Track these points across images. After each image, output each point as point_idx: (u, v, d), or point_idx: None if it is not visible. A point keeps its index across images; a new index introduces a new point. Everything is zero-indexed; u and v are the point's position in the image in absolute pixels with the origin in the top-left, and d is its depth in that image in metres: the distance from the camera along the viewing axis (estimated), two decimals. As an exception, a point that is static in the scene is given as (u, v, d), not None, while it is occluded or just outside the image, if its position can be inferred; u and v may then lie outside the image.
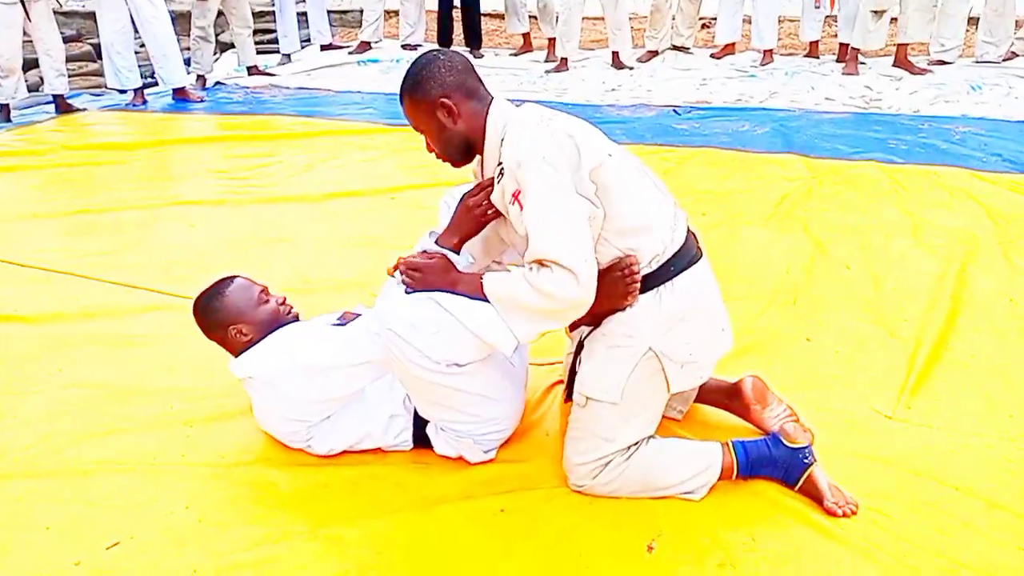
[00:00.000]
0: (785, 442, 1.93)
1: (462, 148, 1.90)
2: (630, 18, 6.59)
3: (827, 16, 6.33)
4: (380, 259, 3.12)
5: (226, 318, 2.13)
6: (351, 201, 3.90)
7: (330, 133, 4.96)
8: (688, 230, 1.92)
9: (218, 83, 6.51)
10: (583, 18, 6.59)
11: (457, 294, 1.81)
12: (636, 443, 1.91)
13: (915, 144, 4.35)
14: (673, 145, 4.50)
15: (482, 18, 7.32)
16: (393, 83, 6.46)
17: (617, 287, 1.80)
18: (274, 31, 7.78)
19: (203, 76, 6.38)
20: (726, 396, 2.17)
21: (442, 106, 1.82)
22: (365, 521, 1.90)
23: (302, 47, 7.55)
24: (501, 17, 7.60)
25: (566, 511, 1.91)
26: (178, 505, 1.97)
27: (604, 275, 1.78)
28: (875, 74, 5.82)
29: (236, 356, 2.13)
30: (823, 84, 5.69)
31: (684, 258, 1.86)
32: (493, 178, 1.85)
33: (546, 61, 6.83)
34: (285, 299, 2.23)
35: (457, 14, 7.22)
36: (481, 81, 1.89)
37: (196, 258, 3.32)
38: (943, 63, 5.92)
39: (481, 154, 1.89)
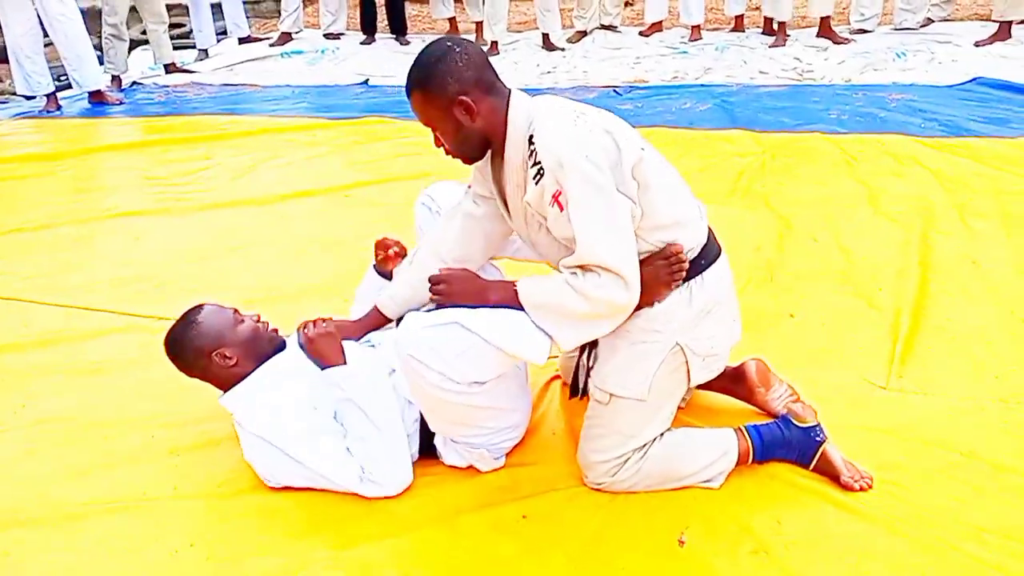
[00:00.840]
0: (796, 423, 1.94)
1: (480, 146, 1.80)
2: (557, -2, 6.55)
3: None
4: (344, 262, 3.07)
5: (205, 345, 2.01)
6: (303, 202, 3.77)
7: (268, 131, 4.78)
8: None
9: (135, 83, 6.21)
10: (509, 0, 6.53)
11: (488, 306, 1.75)
12: (653, 438, 1.89)
13: (854, 113, 4.45)
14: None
15: (406, 3, 7.17)
16: (321, 75, 6.36)
17: (660, 276, 1.75)
18: (185, 25, 7.48)
19: (118, 77, 6.08)
20: (730, 381, 2.16)
21: (460, 104, 1.70)
22: (387, 541, 1.83)
23: (218, 40, 7.27)
24: (425, 2, 7.48)
25: (590, 511, 1.88)
26: (181, 543, 1.85)
27: (644, 265, 1.73)
28: (801, 46, 5.94)
29: (224, 388, 2.02)
30: (754, 57, 5.78)
31: (711, 252, 1.85)
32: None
33: (475, 45, 6.73)
34: (259, 316, 2.14)
35: (380, 0, 7.06)
36: (497, 73, 1.79)
37: (148, 273, 3.15)
38: (864, 31, 6.08)
39: (500, 151, 1.80)
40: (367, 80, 5.99)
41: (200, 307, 2.09)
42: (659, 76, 5.53)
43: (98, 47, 6.02)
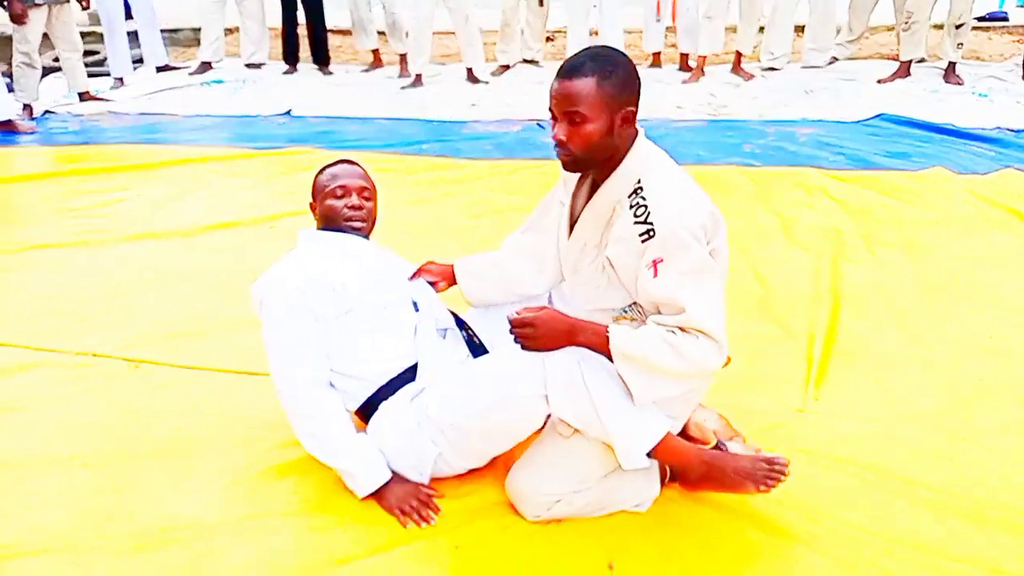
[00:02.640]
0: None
1: (599, 160, 1.78)
2: (480, 33, 6.65)
3: (668, 27, 6.64)
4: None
5: (312, 191, 2.26)
6: (228, 233, 3.71)
7: (189, 161, 4.70)
8: None
9: (47, 112, 6.02)
10: (432, 32, 6.60)
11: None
12: None
13: (767, 147, 4.64)
14: (546, 159, 4.57)
15: (328, 34, 7.17)
16: (243, 104, 6.29)
17: (755, 474, 1.83)
18: (100, 53, 7.30)
19: (30, 105, 5.88)
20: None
21: (626, 113, 1.73)
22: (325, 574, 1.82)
23: (134, 69, 7.12)
24: (348, 33, 7.48)
25: (521, 540, 1.90)
26: (106, 584, 1.81)
27: (746, 459, 1.88)
28: (716, 82, 6.16)
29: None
30: (670, 93, 5.97)
31: None
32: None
33: (399, 77, 6.78)
34: (363, 207, 2.18)
35: (302, 30, 7.04)
36: None
37: (68, 307, 3.05)
38: (773, 69, 6.36)
39: (601, 177, 1.82)
40: (290, 110, 5.95)
41: (341, 162, 2.29)
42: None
43: (8, 74, 5.83)
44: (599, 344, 1.74)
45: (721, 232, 1.81)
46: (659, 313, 1.75)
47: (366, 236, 2.21)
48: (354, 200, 2.17)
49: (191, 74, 7.03)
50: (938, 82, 5.73)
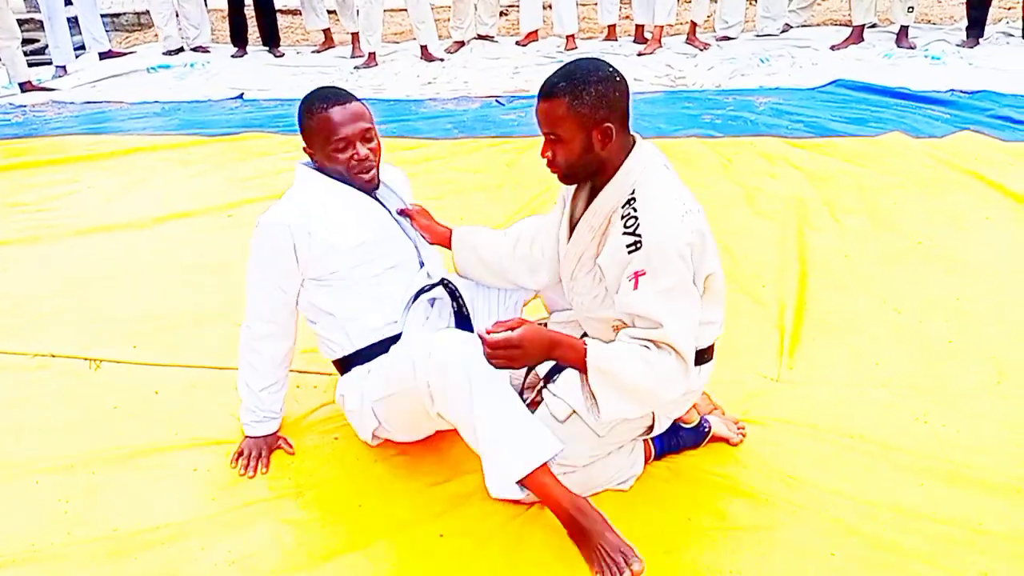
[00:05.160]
0: (683, 424, 2.05)
1: (589, 174, 1.77)
2: (432, 9, 6.54)
3: (622, -1, 6.61)
4: (233, 285, 2.97)
5: (303, 132, 2.05)
6: (185, 223, 3.61)
7: (140, 150, 4.55)
8: None
9: (-13, 104, 5.81)
10: (384, 10, 6.48)
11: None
12: None
13: (726, 117, 4.64)
14: (506, 136, 4.53)
15: (278, 14, 7.00)
16: (192, 90, 6.13)
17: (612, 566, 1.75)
18: (40, 41, 7.06)
19: (-32, 97, 5.68)
20: None
21: (602, 129, 1.69)
22: (300, 572, 1.78)
23: (77, 56, 6.89)
24: (297, 13, 7.32)
25: (506, 524, 1.89)
26: (79, 594, 1.76)
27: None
28: (672, 53, 6.14)
29: None
30: (628, 65, 5.93)
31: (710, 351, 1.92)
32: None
33: (352, 57, 6.65)
34: (367, 157, 2.01)
35: (250, 11, 6.87)
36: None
37: (22, 307, 2.95)
38: (728, 38, 6.36)
39: (597, 187, 1.79)
40: (242, 94, 5.81)
41: (348, 101, 2.01)
42: (539, 85, 5.56)
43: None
44: (577, 358, 1.72)
45: (710, 253, 1.76)
46: (634, 327, 1.73)
47: (375, 187, 2.09)
48: (359, 151, 2.00)
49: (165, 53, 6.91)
50: (891, 46, 5.78)
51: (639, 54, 6.15)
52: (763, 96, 4.98)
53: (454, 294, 2.12)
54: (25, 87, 6.02)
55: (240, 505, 1.99)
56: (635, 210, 1.70)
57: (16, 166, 4.43)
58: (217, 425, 2.28)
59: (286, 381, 2.19)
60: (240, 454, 2.14)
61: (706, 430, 2.07)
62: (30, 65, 6.25)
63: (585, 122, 1.69)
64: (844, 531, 1.82)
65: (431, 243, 2.19)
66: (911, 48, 5.71)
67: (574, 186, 1.91)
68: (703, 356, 1.86)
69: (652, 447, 2.03)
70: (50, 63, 6.65)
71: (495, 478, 1.75)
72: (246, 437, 2.17)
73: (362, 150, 2.00)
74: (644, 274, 1.67)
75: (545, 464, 1.77)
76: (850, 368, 2.40)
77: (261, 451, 2.14)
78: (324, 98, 1.99)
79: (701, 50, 6.12)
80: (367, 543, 1.85)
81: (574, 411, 1.81)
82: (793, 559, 1.76)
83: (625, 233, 1.70)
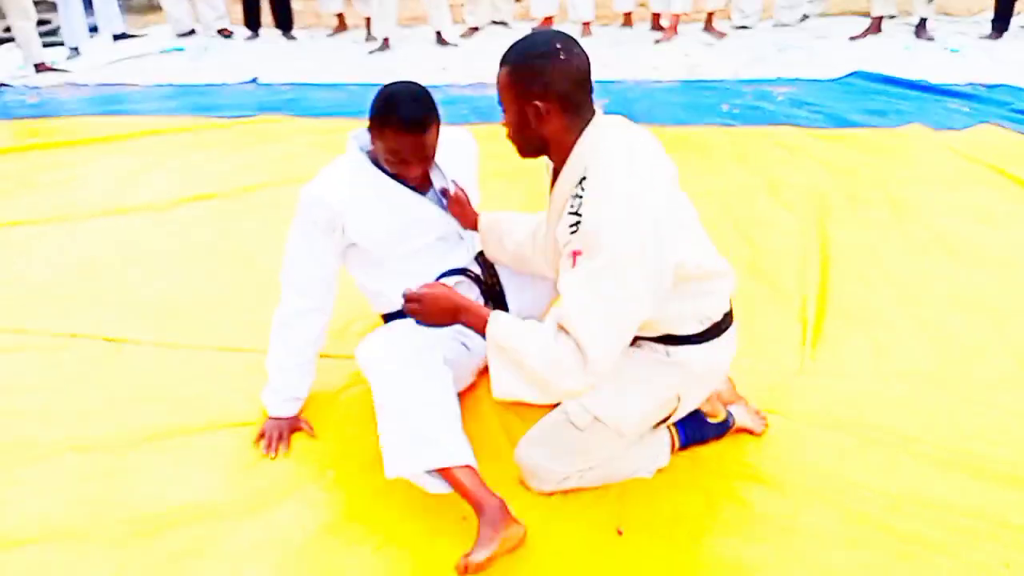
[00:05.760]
0: (709, 419, 2.05)
1: (534, 150, 1.74)
2: (447, -6, 6.53)
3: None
4: (249, 269, 2.98)
5: (370, 117, 1.98)
6: (201, 206, 3.61)
7: (155, 132, 4.55)
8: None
9: (2, 85, 5.81)
10: (399, -6, 6.46)
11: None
12: None
13: (745, 107, 4.61)
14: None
15: (291, -2, 6.99)
16: (206, 72, 6.12)
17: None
18: (52, 22, 7.05)
19: (-17, 77, 5.69)
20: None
21: (533, 107, 1.64)
22: (336, 555, 1.79)
23: (90, 37, 6.89)
24: (311, -4, 7.31)
25: (528, 508, 1.88)
26: (104, 574, 1.76)
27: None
28: (689, 41, 6.11)
29: None
30: (645, 53, 5.91)
31: (728, 316, 1.89)
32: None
33: (366, 41, 6.63)
34: (422, 173, 2.06)
35: (263, -6, 6.86)
36: (590, 92, 1.69)
37: (42, 287, 2.96)
38: (745, 27, 6.33)
39: (556, 169, 1.75)
40: (256, 78, 5.80)
41: (402, 104, 1.93)
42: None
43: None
44: (479, 327, 1.69)
45: (674, 241, 1.66)
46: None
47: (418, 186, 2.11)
48: (414, 170, 2.01)
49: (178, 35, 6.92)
50: (910, 38, 5.74)
51: (656, 42, 6.12)
52: (781, 86, 4.95)
53: (480, 275, 2.15)
54: (39, 68, 6.03)
55: (264, 487, 2.00)
56: (583, 190, 1.64)
57: (33, 147, 4.44)
58: (238, 407, 2.28)
59: (314, 365, 2.19)
60: (262, 435, 2.15)
61: (731, 425, 2.07)
62: (44, 46, 6.24)
63: (518, 96, 1.65)
64: (867, 523, 1.81)
65: (464, 228, 2.19)
66: (930, 40, 5.67)
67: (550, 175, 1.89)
68: (706, 336, 1.81)
69: (677, 439, 2.03)
70: (63, 44, 6.64)
71: (388, 465, 1.83)
72: (268, 419, 2.18)
73: (417, 169, 2.01)
74: (580, 254, 1.60)
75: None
76: (873, 360, 2.38)
77: (283, 433, 2.15)
78: (404, 120, 1.91)
79: (718, 39, 6.09)
80: (391, 525, 1.86)
81: (595, 417, 1.81)
82: (816, 550, 1.75)
83: (570, 213, 1.65)
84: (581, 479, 1.90)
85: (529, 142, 1.72)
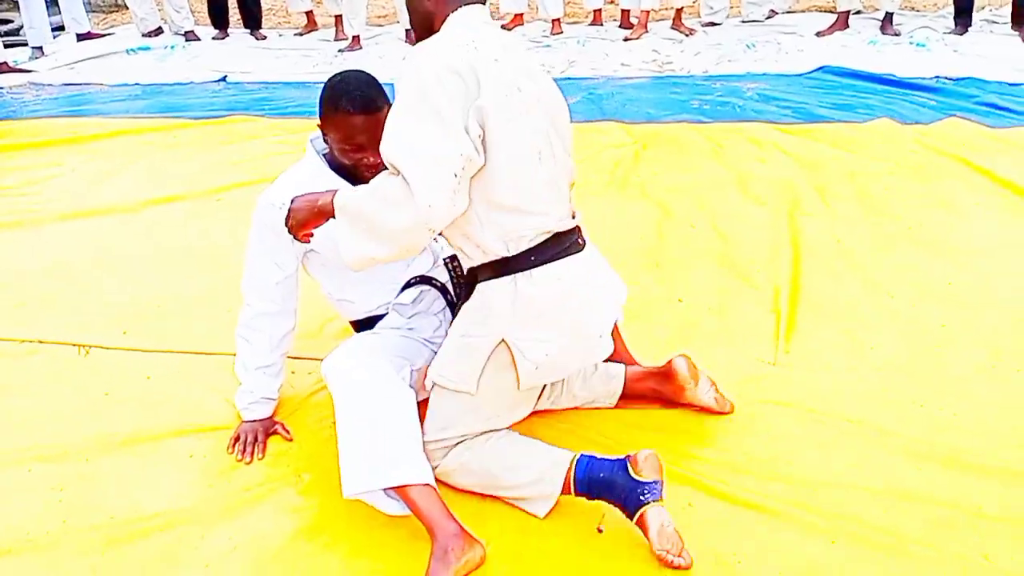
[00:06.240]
0: (632, 472, 1.76)
1: (421, 28, 1.75)
2: (417, -8, 6.48)
3: (607, -17, 6.57)
4: (223, 270, 2.94)
5: (321, 112, 1.96)
6: (172, 207, 3.56)
7: (123, 133, 4.49)
8: (574, 222, 1.82)
9: (-37, 85, 5.69)
10: (368, -8, 6.43)
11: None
12: (482, 433, 1.89)
13: (715, 103, 4.64)
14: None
15: (259, -4, 6.91)
16: (173, 72, 6.04)
17: None
18: (15, 21, 6.92)
19: (-58, 78, 5.57)
20: (657, 382, 2.15)
21: None
22: (311, 560, 1.77)
23: (54, 37, 6.77)
24: (279, -5, 7.23)
25: (510, 508, 1.88)
26: (77, 582, 1.73)
27: None
28: (658, 38, 6.13)
29: None
30: (614, 50, 5.92)
31: (551, 250, 1.74)
32: None
33: (336, 40, 6.58)
34: (379, 164, 1.79)
35: (230, -7, 6.78)
36: None
37: (8, 292, 2.91)
38: (714, 24, 6.36)
39: None
40: (224, 77, 5.73)
41: (362, 95, 1.90)
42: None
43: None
44: (330, 202, 1.71)
45: (492, 94, 1.61)
46: None
47: None
48: (371, 159, 1.91)
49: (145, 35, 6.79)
50: (876, 33, 5.79)
51: (625, 39, 6.13)
52: (750, 82, 4.98)
53: (446, 284, 2.12)
54: (1, 68, 5.90)
55: (238, 491, 1.98)
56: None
57: (-6, 149, 4.35)
58: (211, 411, 2.26)
59: (284, 366, 2.18)
60: (237, 440, 2.12)
61: (643, 498, 1.73)
62: (6, 47, 6.13)
63: None
64: (843, 515, 1.82)
65: None
66: (896, 35, 5.73)
67: None
68: (525, 257, 1.72)
69: (574, 479, 1.81)
70: (27, 44, 6.52)
71: (345, 483, 1.77)
72: (242, 422, 2.15)
73: (373, 155, 1.91)
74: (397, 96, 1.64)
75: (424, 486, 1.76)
76: (846, 352, 2.41)
77: (257, 435, 2.12)
78: (353, 100, 1.88)
79: (687, 35, 6.11)
80: (368, 528, 1.84)
81: (434, 383, 1.86)
82: (794, 543, 1.76)
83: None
84: (462, 467, 1.87)
85: (416, 19, 1.76)
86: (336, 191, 1.72)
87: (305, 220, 1.75)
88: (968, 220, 3.12)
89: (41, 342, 2.60)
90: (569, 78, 5.32)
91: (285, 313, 2.11)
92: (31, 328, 2.67)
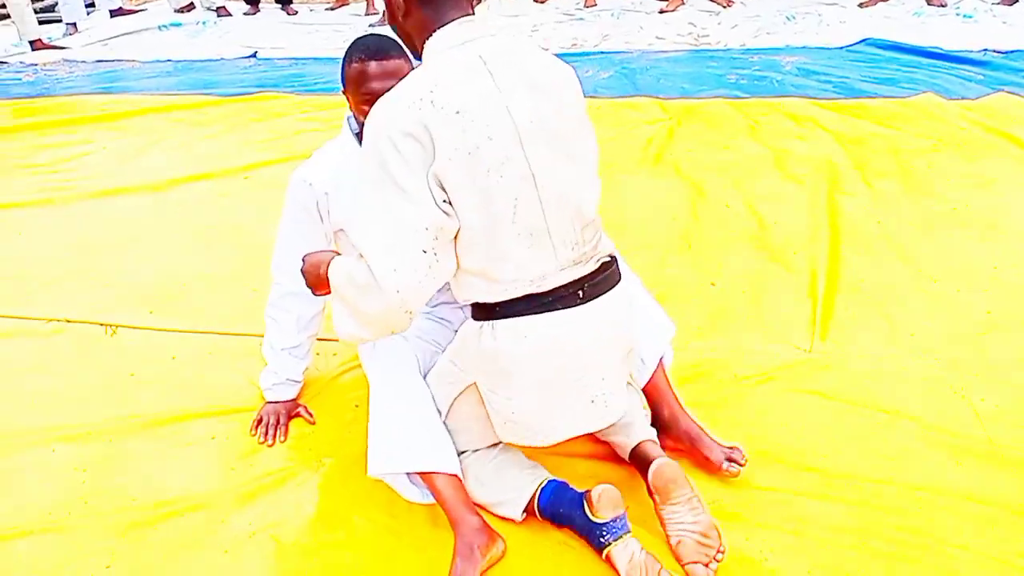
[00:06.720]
0: (588, 513, 1.66)
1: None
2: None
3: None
4: (249, 248, 2.92)
5: (342, 75, 1.92)
6: (200, 186, 3.55)
7: (154, 110, 4.49)
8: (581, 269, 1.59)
9: (-2, 62, 5.75)
10: (400, -34, 6.33)
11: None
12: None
13: (752, 78, 4.51)
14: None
15: (291, -28, 6.87)
16: (205, 48, 6.04)
17: None
18: (49, -2, 6.98)
19: (-21, 56, 5.62)
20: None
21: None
22: (332, 546, 1.75)
23: (87, 13, 6.80)
24: (311, -31, 7.18)
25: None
26: (96, 566, 1.72)
27: None
28: (695, 10, 5.99)
29: None
30: (649, 23, 5.80)
31: (519, 304, 1.56)
32: None
33: (367, 14, 6.53)
34: None
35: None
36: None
37: (36, 271, 2.92)
38: (753, -6, 6.20)
39: None
40: (255, 53, 5.71)
41: (385, 57, 1.84)
42: (558, 43, 5.48)
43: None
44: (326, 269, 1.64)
45: (446, 153, 1.45)
46: None
47: None
48: None
49: (177, 10, 6.78)
50: (921, 4, 5.61)
51: (661, 11, 6.01)
52: (789, 55, 4.84)
53: None
54: (35, 45, 5.95)
55: (260, 475, 1.96)
56: None
57: (29, 127, 4.38)
58: (235, 393, 2.24)
59: (311, 349, 2.15)
60: (259, 422, 2.11)
61: (602, 539, 1.64)
62: (40, 23, 6.16)
63: None
64: (877, 512, 1.74)
65: None
66: (942, 6, 5.54)
67: None
68: (491, 308, 1.57)
69: (537, 505, 1.75)
70: (60, 21, 6.56)
71: (371, 462, 1.74)
72: (265, 403, 2.13)
73: None
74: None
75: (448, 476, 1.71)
76: (885, 340, 2.32)
77: (280, 418, 2.11)
78: (365, 48, 1.87)
79: (725, 7, 5.97)
80: (388, 514, 1.81)
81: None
82: (826, 541, 1.69)
83: None
84: None
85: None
86: (333, 259, 1.62)
87: (314, 285, 1.70)
88: (1016, 201, 2.99)
89: (68, 321, 2.60)
90: (602, 52, 5.22)
91: (314, 296, 2.07)
92: (58, 307, 2.67)
